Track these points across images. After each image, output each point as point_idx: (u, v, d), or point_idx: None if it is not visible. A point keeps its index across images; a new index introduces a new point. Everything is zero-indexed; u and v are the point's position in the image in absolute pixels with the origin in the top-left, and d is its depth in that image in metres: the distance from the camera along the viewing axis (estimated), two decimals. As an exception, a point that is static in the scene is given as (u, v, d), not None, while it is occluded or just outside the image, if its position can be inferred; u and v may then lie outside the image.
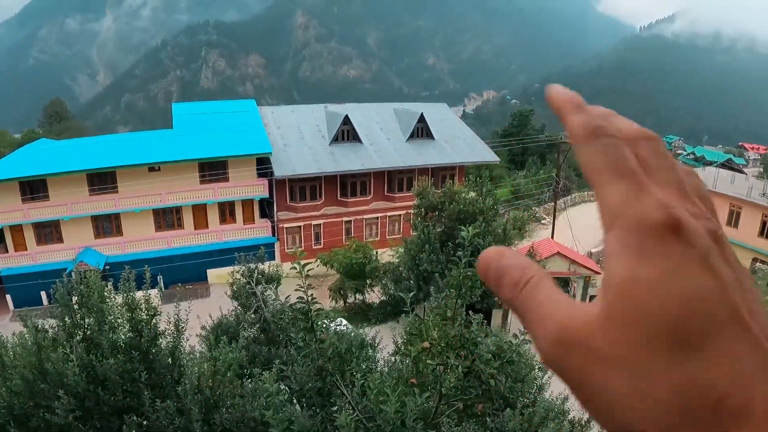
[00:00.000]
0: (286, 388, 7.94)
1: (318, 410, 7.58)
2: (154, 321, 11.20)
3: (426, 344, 6.90)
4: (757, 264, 48.04)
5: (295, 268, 6.92)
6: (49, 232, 45.61)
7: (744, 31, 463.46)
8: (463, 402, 7.24)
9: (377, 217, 52.84)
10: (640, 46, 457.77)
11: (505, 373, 7.00)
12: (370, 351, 14.28)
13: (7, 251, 45.19)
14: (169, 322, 11.59)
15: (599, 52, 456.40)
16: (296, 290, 6.99)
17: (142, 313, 11.05)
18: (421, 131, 55.16)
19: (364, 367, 9.26)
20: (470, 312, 7.34)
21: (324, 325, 7.36)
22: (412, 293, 6.88)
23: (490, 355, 6.81)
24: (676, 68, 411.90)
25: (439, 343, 6.73)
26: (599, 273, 39.28)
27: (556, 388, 12.01)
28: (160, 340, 11.26)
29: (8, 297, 43.82)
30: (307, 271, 6.85)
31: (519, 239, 43.88)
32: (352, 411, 7.31)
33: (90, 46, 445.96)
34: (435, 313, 7.03)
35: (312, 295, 6.90)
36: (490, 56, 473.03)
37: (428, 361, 6.85)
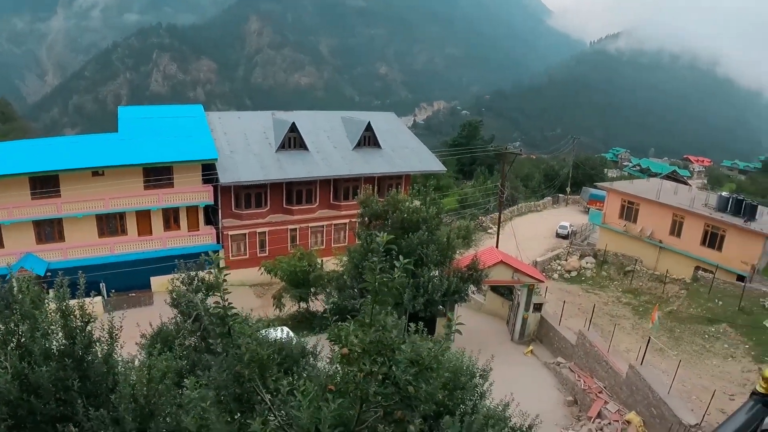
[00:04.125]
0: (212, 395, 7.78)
1: (236, 417, 7.46)
2: (89, 328, 10.94)
3: (345, 350, 6.84)
4: (699, 272, 49.45)
5: (217, 274, 6.80)
6: (-12, 236, 44.33)
7: (686, 48, 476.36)
8: (383, 409, 7.19)
9: (323, 225, 52.63)
10: (590, 61, 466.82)
11: (425, 380, 6.94)
12: (312, 359, 14.19)
13: (-58, 255, 43.85)
14: (103, 330, 11.34)
15: (550, 66, 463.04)
16: (217, 295, 6.89)
17: (77, 320, 10.80)
18: (368, 140, 55.27)
19: (298, 375, 9.16)
20: (400, 318, 7.28)
21: (244, 330, 7.23)
22: (332, 301, 6.81)
23: (408, 362, 6.77)
24: (624, 83, 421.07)
25: (356, 349, 6.67)
26: (542, 281, 39.80)
27: (497, 395, 12.07)
28: (96, 347, 10.99)
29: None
30: (226, 278, 6.75)
31: (464, 248, 44.23)
32: (272, 418, 7.21)
33: (39, 46, 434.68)
34: (354, 320, 6.97)
35: (228, 300, 6.80)
36: (442, 67, 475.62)
37: (347, 368, 6.80)
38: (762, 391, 4.94)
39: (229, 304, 6.84)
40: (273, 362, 7.72)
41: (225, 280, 6.65)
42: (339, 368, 7.19)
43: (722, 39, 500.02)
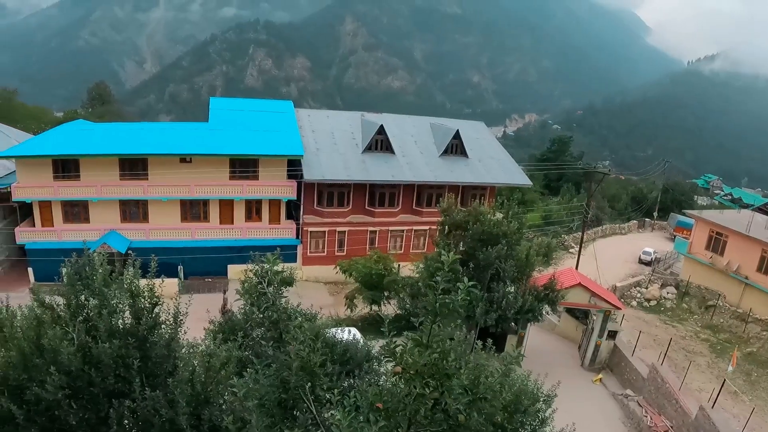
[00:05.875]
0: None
1: (278, 422, 7.33)
2: (156, 310, 11.08)
3: (398, 369, 6.63)
4: (786, 314, 47.17)
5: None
6: (77, 211, 46.19)
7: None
8: (431, 434, 6.94)
9: (403, 230, 52.51)
10: (686, 81, 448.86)
11: (477, 410, 6.66)
12: (376, 365, 13.98)
13: (33, 226, 45.90)
14: (168, 313, 11.46)
15: (644, 84, 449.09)
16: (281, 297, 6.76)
17: (145, 301, 10.96)
18: (455, 148, 54.84)
19: (359, 379, 8.97)
20: (470, 332, 7.01)
21: (297, 336, 7.08)
22: (394, 313, 6.60)
23: (462, 389, 6.50)
24: (718, 107, 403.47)
25: (410, 369, 6.45)
26: (620, 308, 38.55)
27: (559, 422, 11.68)
28: (162, 329, 11.15)
29: (30, 270, 44.79)
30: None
31: (543, 266, 43.31)
32: (315, 428, 7.05)
33: (140, 34, 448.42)
34: (411, 338, 6.73)
35: (287, 301, 6.67)
36: (535, 79, 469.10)
37: (398, 387, 6.59)
38: None
39: (284, 308, 6.70)
40: (324, 371, 7.57)
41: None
42: (390, 385, 6.99)
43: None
